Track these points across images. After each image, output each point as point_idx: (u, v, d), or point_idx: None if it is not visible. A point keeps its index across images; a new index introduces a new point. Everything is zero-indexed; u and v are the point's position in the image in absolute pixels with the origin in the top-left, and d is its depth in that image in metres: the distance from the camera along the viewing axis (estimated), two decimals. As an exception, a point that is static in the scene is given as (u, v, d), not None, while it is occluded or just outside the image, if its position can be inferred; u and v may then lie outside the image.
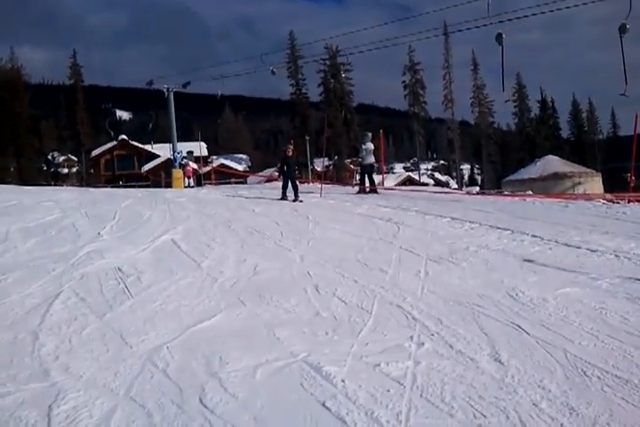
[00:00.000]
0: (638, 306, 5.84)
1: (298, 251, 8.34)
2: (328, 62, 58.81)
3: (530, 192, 21.85)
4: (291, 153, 15.41)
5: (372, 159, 17.23)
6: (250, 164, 65.44)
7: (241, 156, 66.58)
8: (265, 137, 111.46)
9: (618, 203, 17.27)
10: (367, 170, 17.25)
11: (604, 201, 17.21)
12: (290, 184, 14.87)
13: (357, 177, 19.25)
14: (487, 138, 68.21)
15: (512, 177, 40.63)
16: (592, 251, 8.49)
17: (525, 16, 17.25)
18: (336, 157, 58.62)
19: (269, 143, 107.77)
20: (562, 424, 3.46)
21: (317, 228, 10.27)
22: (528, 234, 9.59)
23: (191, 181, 28.74)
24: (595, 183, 37.40)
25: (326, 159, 58.88)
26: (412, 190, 20.41)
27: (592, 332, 5.07)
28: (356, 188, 18.82)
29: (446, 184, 64.27)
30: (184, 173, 29.68)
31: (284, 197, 14.69)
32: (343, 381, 4.01)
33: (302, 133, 56.25)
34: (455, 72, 63.58)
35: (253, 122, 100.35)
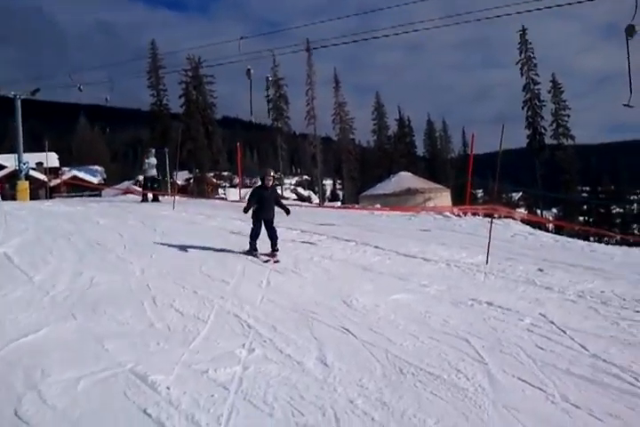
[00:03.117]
0: (460, 310, 6.40)
1: (139, 263, 8.18)
2: (190, 73, 58.18)
3: (378, 206, 22.85)
4: (270, 184, 9.47)
5: (153, 172, 19.77)
6: (105, 176, 62.83)
7: (96, 168, 63.69)
8: (123, 149, 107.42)
9: (459, 216, 18.67)
10: (149, 181, 19.89)
11: (449, 214, 18.53)
12: (265, 230, 9.35)
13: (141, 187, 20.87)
14: (348, 154, 70.36)
15: (369, 192, 42.14)
16: (427, 260, 9.13)
17: (385, 36, 17.93)
18: (197, 171, 57.95)
19: (128, 155, 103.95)
20: (373, 418, 3.73)
21: (164, 240, 10.10)
22: (371, 245, 10.10)
23: None
24: (444, 198, 39.66)
25: (186, 172, 58.10)
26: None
27: (414, 334, 5.48)
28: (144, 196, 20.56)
29: (308, 199, 65.51)
30: None
31: (252, 251, 9.23)
32: (168, 388, 4.05)
33: (162, 145, 54.95)
34: (318, 89, 64.96)
35: (111, 133, 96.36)
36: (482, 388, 4.26)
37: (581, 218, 57.49)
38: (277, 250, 9.17)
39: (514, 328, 5.74)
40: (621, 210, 62.57)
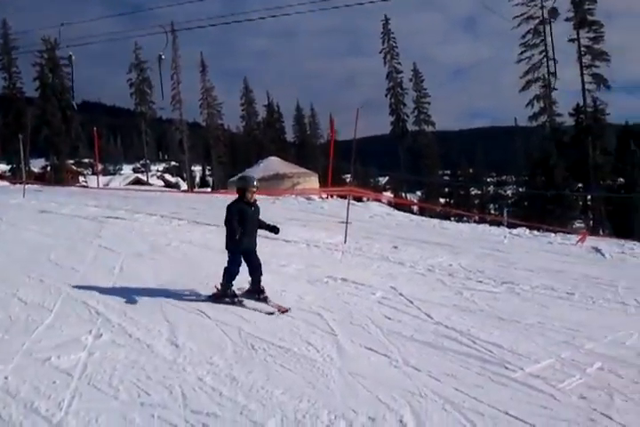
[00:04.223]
0: (315, 287, 6.59)
1: (-20, 254, 7.64)
2: (45, 55, 54.43)
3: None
4: (253, 199, 6.14)
5: None
6: (-46, 164, 57.71)
7: (-58, 156, 58.33)
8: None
9: (323, 199, 19.12)
10: None
11: (313, 197, 18.91)
12: (245, 263, 6.10)
13: None
14: (217, 139, 69.31)
15: (237, 177, 41.98)
16: (288, 242, 9.27)
17: (249, 20, 17.74)
18: (55, 158, 54.56)
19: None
20: (221, 393, 3.78)
21: (10, 229, 9.49)
22: (233, 228, 10.05)
23: None
24: (312, 182, 40.25)
25: (43, 160, 54.66)
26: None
27: (271, 311, 5.56)
28: None
29: (176, 185, 64.02)
30: None
31: (229, 297, 5.92)
32: (6, 378, 3.89)
33: (16, 131, 51.08)
34: (184, 73, 63.05)
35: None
36: (330, 358, 4.43)
37: (443, 200, 60.59)
38: (263, 290, 6.08)
39: (365, 301, 6.01)
40: (479, 191, 66.64)
